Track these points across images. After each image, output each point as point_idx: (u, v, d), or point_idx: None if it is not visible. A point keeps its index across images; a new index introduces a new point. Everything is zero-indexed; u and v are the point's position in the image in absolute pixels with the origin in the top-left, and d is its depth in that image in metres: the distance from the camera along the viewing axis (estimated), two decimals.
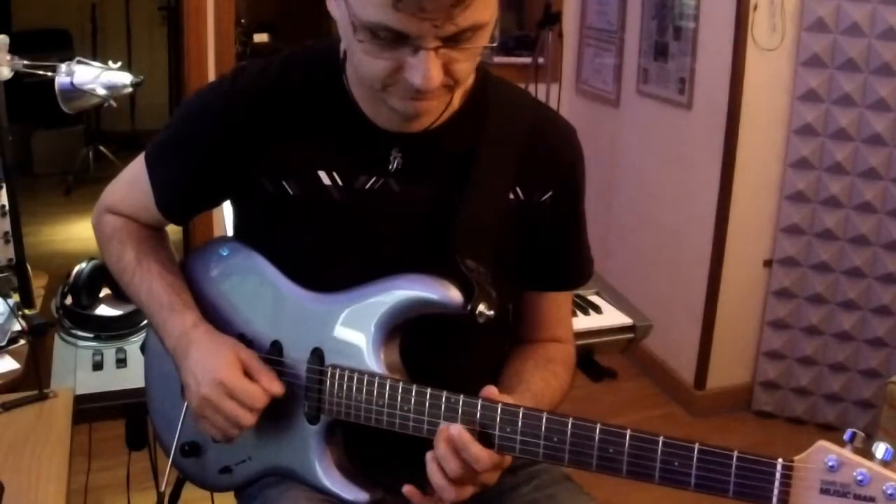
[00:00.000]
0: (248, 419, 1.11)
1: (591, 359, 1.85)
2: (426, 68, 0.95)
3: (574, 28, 3.80)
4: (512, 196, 1.17)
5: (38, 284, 1.86)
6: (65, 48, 5.76)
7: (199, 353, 1.14)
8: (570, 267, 1.30)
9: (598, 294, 1.95)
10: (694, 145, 3.13)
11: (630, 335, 1.85)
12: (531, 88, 3.53)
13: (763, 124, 2.92)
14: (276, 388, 1.12)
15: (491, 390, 1.04)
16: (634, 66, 3.43)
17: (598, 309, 1.90)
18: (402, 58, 0.97)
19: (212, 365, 1.12)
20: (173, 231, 1.39)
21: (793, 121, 2.89)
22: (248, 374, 1.12)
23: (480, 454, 1.00)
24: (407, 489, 1.05)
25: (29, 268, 1.78)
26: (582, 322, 1.82)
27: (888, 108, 2.73)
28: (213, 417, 1.12)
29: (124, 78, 1.82)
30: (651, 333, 1.87)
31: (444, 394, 1.04)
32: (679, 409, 3.24)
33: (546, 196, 1.20)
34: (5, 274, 1.75)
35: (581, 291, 1.92)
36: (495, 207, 1.15)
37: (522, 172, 1.17)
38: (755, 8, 2.80)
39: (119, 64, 1.85)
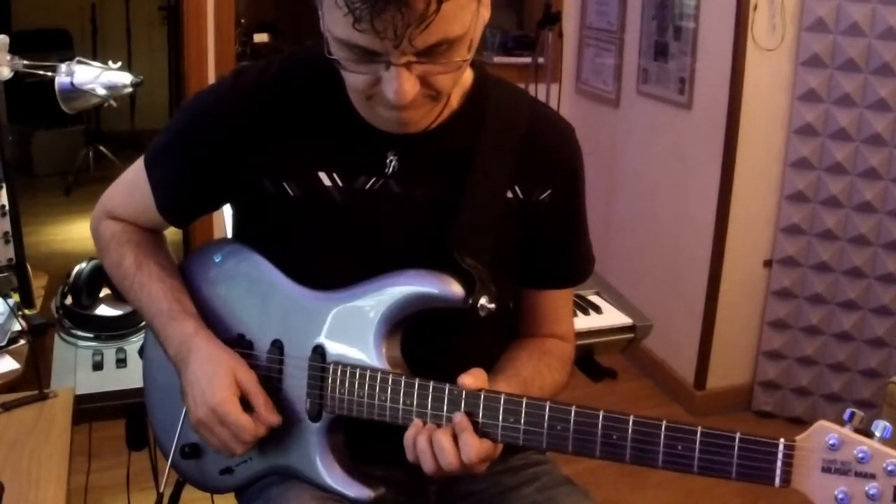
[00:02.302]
0: (240, 449, 1.12)
1: (591, 359, 1.85)
2: (398, 83, 0.97)
3: (574, 28, 3.79)
4: (510, 195, 1.17)
5: (38, 284, 1.85)
6: (65, 48, 5.76)
7: (197, 363, 1.14)
8: (570, 265, 1.30)
9: (598, 294, 1.95)
10: (694, 145, 3.13)
11: (630, 335, 1.85)
12: (531, 88, 3.53)
13: (763, 124, 2.92)
14: (273, 419, 1.12)
15: (462, 380, 1.04)
16: (634, 66, 3.42)
17: (598, 309, 1.89)
18: (378, 71, 0.98)
19: (209, 388, 1.11)
20: (173, 233, 1.38)
21: (793, 121, 2.89)
22: (245, 400, 1.12)
23: (472, 441, 1.01)
24: None
25: (29, 268, 1.78)
26: (582, 322, 1.82)
27: (888, 108, 2.72)
28: (209, 438, 1.14)
29: (124, 78, 1.82)
30: (651, 333, 1.87)
31: (447, 386, 1.05)
32: (679, 409, 3.23)
33: (545, 195, 1.20)
34: (5, 274, 1.75)
35: (581, 291, 1.92)
36: (493, 206, 1.15)
37: (521, 171, 1.17)
38: (755, 8, 2.79)
39: (119, 64, 1.85)
